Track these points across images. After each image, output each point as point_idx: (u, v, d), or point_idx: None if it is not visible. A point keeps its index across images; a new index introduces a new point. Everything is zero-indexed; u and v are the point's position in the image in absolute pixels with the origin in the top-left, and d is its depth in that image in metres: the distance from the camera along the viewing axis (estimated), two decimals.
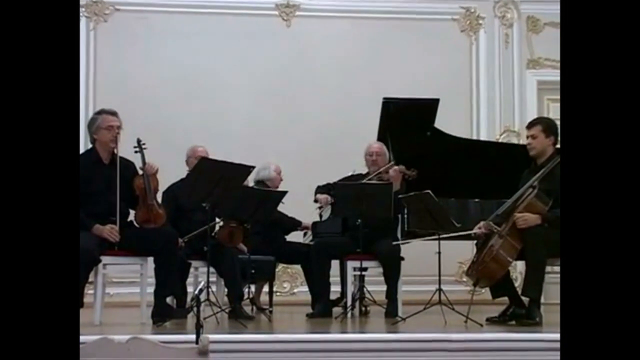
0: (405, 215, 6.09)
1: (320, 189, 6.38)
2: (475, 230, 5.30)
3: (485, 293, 5.48)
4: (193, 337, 3.32)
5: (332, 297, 6.15)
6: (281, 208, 6.25)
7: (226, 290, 5.71)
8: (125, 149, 5.20)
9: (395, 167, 6.10)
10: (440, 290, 5.25)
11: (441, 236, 5.38)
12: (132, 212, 5.25)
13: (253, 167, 5.40)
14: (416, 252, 6.19)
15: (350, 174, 6.31)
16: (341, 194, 5.80)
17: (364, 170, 6.29)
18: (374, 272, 6.01)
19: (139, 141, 5.26)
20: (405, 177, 6.13)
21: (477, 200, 6.38)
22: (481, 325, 4.92)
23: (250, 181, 6.18)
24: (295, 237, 6.83)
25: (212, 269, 5.48)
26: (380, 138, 6.50)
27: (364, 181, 5.98)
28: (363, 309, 6.10)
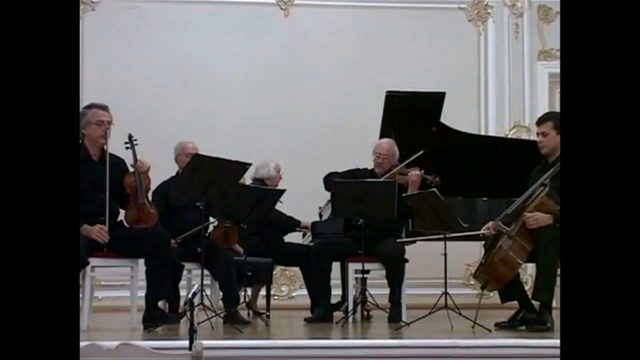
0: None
1: (332, 176, 6.22)
2: (483, 230, 5.30)
3: (494, 297, 5.48)
4: (186, 343, 3.33)
5: (333, 300, 6.15)
6: (279, 207, 6.25)
7: (221, 293, 5.71)
8: (116, 145, 5.20)
9: (417, 172, 5.98)
10: (446, 293, 5.26)
11: (447, 237, 5.38)
12: (122, 212, 5.25)
13: (249, 164, 5.40)
14: (421, 254, 6.19)
15: (355, 167, 6.26)
16: (341, 192, 5.78)
17: (370, 165, 6.23)
18: (377, 275, 6.00)
19: (130, 137, 5.25)
20: (427, 182, 6.00)
21: (485, 199, 6.39)
22: (489, 331, 4.92)
23: (247, 179, 6.18)
24: (293, 237, 6.83)
25: (206, 272, 5.49)
26: (383, 133, 6.49)
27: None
28: (365, 313, 6.11)
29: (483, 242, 5.49)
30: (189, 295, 3.79)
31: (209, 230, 5.84)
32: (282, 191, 5.85)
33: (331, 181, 6.03)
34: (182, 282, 5.88)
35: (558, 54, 8.36)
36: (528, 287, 5.89)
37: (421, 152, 6.26)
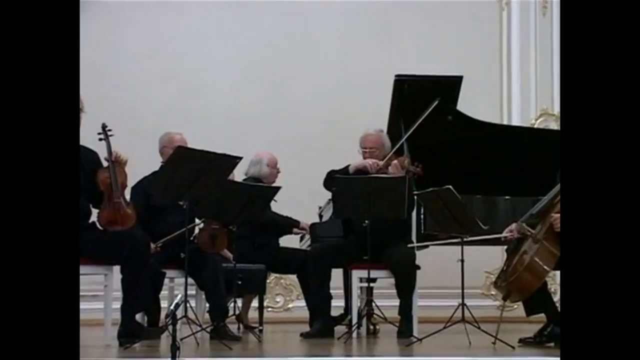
0: (422, 216, 6.08)
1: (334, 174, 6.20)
2: (506, 233, 5.31)
3: (518, 309, 5.49)
4: None
5: (335, 313, 6.16)
6: (273, 208, 6.25)
7: (207, 305, 5.72)
8: (87, 136, 5.19)
9: (395, 162, 5.98)
10: (463, 305, 5.26)
11: (465, 240, 5.38)
12: (94, 212, 5.24)
13: (240, 158, 5.39)
14: (435, 260, 6.19)
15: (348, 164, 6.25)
16: (344, 190, 5.77)
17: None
18: (385, 284, 6.01)
19: (104, 127, 5.25)
20: (407, 174, 5.98)
21: (507, 197, 6.38)
22: (513, 348, 4.92)
23: (236, 175, 6.17)
24: (290, 241, 6.83)
25: (190, 280, 5.48)
26: (391, 123, 6.49)
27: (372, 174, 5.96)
28: (371, 327, 6.12)
29: (505, 247, 5.49)
30: (171, 307, 3.79)
31: (194, 233, 5.84)
32: (277, 188, 5.85)
33: (331, 178, 6.04)
34: (164, 292, 5.89)
35: None
36: (557, 298, 5.89)
37: (436, 102, 6.20)
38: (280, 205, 6.26)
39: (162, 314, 5.63)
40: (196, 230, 5.88)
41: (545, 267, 4.99)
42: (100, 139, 5.25)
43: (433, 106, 6.30)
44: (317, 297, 5.99)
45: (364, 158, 6.12)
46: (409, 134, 6.28)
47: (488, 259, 7.50)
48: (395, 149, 6.19)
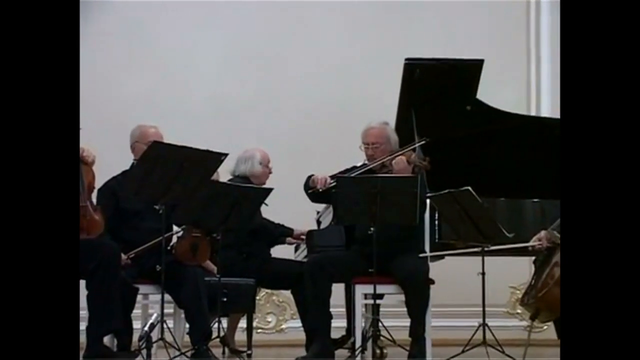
0: (436, 222, 6.08)
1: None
2: (534, 242, 5.30)
3: (548, 330, 5.47)
4: None
5: (335, 334, 6.15)
6: (264, 213, 6.24)
7: (187, 325, 5.70)
8: None
9: (402, 157, 5.99)
10: (485, 325, 5.26)
11: (486, 250, 5.38)
12: None
13: (225, 155, 5.40)
14: (451, 273, 6.18)
15: (352, 166, 6.24)
16: (345, 191, 5.77)
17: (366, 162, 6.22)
18: (393, 301, 6.01)
19: None
20: (414, 169, 5.99)
21: (536, 200, 6.38)
22: None
23: (221, 175, 6.18)
24: (283, 252, 6.82)
25: (168, 297, 5.47)
26: (400, 114, 6.48)
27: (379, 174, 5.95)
28: (378, 351, 6.11)
29: (533, 258, 5.48)
30: (146, 328, 3.79)
31: (171, 243, 5.84)
32: (269, 190, 5.84)
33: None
34: (136, 311, 5.87)
35: None
36: None
37: (422, 141, 6.19)
38: (272, 210, 6.25)
39: (135, 337, 5.60)
40: (174, 239, 5.87)
41: None
42: None
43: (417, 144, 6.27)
44: (315, 316, 5.97)
45: (366, 154, 6.13)
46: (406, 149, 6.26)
47: (513, 272, 7.50)
48: (404, 150, 6.16)
